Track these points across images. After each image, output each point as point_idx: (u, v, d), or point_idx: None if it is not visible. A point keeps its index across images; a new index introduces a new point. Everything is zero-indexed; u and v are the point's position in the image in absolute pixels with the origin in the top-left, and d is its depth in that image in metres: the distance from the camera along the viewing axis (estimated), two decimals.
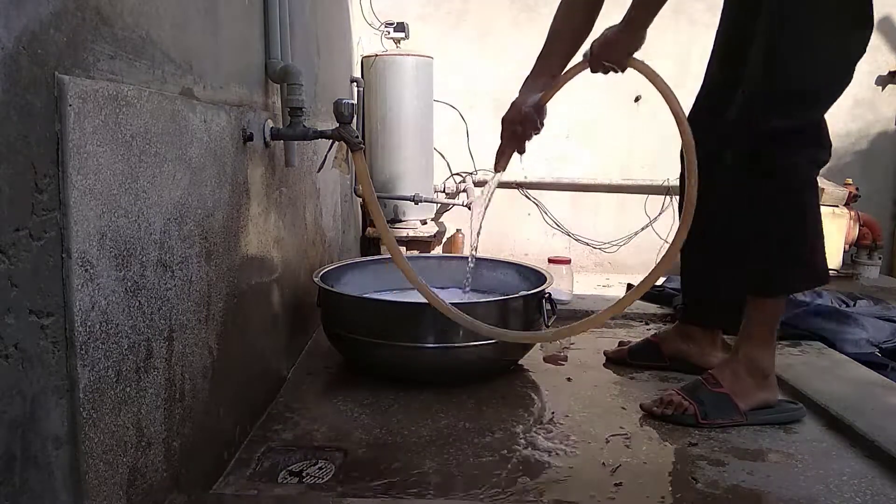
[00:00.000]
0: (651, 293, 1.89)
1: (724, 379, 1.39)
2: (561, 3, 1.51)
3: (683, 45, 3.20)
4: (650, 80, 1.34)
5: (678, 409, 1.38)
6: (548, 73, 1.49)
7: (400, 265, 1.42)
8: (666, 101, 1.33)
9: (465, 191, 3.51)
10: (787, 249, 1.37)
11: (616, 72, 1.41)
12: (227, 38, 1.17)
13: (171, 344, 0.92)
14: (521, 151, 1.53)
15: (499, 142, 1.53)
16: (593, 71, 1.43)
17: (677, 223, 1.37)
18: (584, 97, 3.64)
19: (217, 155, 1.08)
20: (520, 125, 1.48)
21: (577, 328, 1.40)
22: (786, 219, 1.37)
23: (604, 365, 1.75)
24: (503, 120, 1.51)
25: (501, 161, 1.53)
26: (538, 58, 1.52)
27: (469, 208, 3.36)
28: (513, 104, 1.50)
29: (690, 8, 3.31)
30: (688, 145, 1.32)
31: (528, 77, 1.52)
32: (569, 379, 1.63)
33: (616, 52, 1.37)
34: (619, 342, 1.84)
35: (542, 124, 1.49)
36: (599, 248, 3.68)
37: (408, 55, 3.13)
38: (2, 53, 0.59)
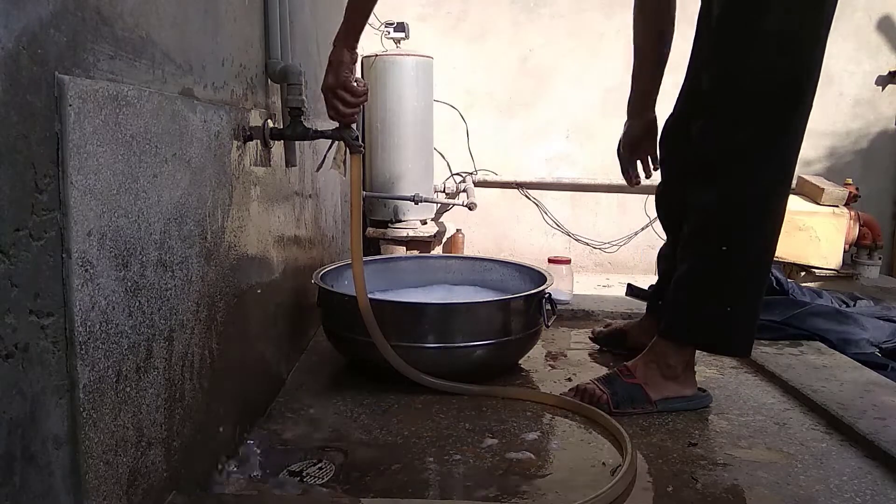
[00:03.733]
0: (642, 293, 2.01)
1: (637, 370, 1.46)
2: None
3: None
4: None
5: (592, 397, 1.42)
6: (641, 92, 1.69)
7: (357, 287, 1.45)
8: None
9: (465, 191, 3.50)
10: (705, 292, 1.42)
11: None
12: (227, 38, 1.17)
13: (171, 344, 0.92)
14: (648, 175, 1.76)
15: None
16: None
17: None
18: (584, 97, 3.64)
19: (217, 155, 1.08)
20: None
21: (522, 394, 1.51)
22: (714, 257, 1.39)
23: (608, 365, 1.74)
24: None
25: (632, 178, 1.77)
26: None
27: (469, 209, 3.36)
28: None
29: None
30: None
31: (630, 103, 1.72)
32: (569, 378, 1.63)
33: None
34: (606, 324, 1.94)
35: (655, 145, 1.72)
36: (599, 248, 3.69)
37: (408, 55, 3.14)
38: (2, 53, 0.59)
